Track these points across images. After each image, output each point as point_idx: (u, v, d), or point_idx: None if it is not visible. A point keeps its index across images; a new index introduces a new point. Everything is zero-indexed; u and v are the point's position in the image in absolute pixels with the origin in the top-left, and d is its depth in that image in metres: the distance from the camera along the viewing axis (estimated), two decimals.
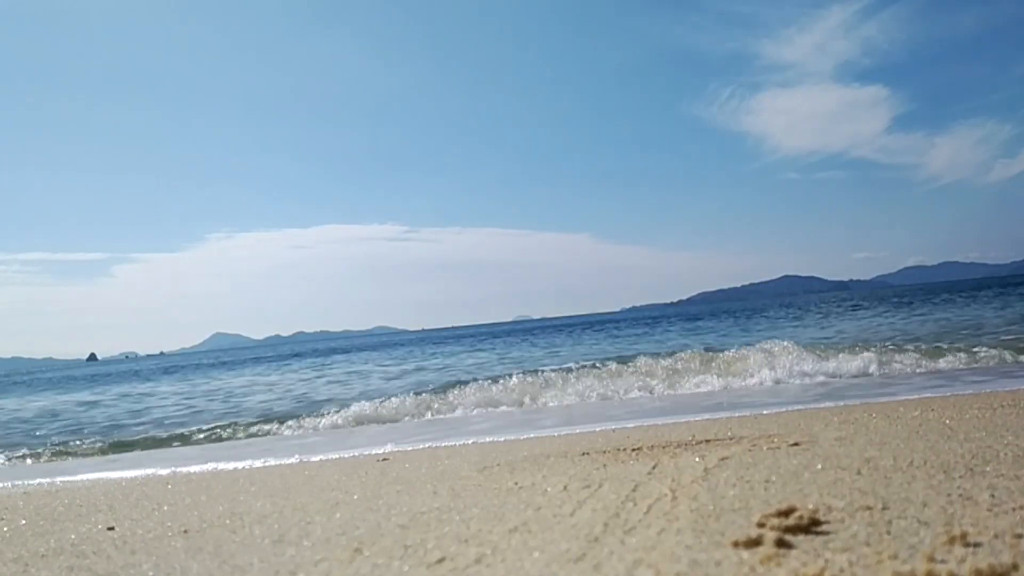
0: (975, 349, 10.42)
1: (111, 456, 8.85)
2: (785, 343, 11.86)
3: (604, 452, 4.19)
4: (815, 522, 2.01)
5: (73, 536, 3.16)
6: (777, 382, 9.41)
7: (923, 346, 11.95)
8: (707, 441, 4.25)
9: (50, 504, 4.36)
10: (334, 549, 2.32)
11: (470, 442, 6.27)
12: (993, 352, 9.99)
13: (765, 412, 6.22)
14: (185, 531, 2.98)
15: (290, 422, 9.96)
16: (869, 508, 2.16)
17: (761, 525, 2.03)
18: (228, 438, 9.51)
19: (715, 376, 9.97)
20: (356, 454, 6.21)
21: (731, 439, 4.25)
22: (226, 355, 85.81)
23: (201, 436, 9.83)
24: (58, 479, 6.50)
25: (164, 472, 6.19)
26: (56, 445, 10.02)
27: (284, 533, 2.69)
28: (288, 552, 2.37)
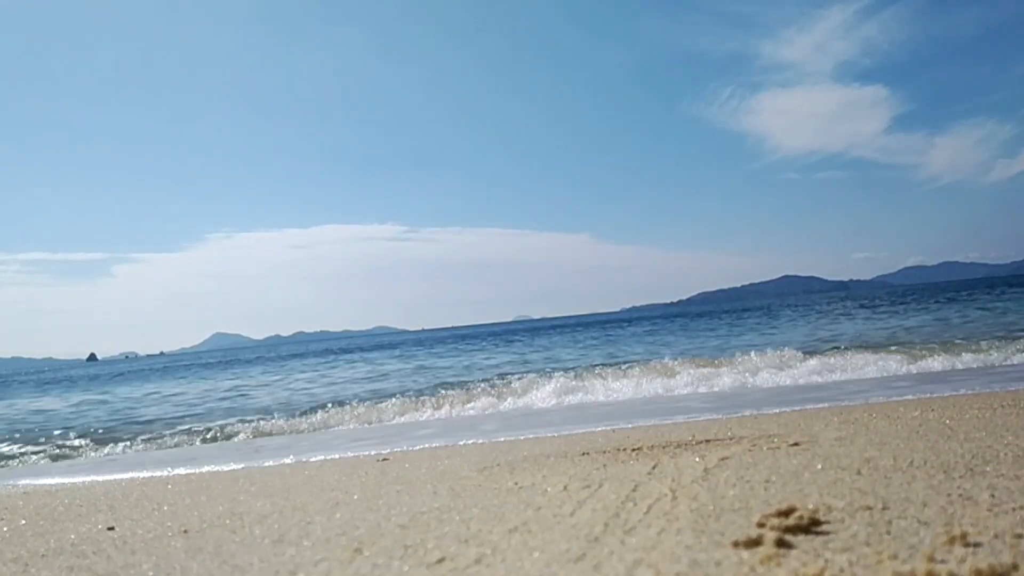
0: (975, 349, 10.42)
1: (111, 456, 8.85)
2: (786, 350, 11.87)
3: (604, 452, 4.19)
4: (815, 522, 2.01)
5: (73, 536, 3.16)
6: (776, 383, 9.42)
7: (923, 346, 11.95)
8: (707, 441, 4.25)
9: (50, 504, 4.36)
10: (334, 549, 2.32)
11: (470, 442, 6.27)
12: (993, 352, 9.99)
13: (765, 412, 6.23)
14: (185, 531, 2.98)
15: (287, 421, 9.97)
16: (869, 508, 2.16)
17: (761, 525, 2.03)
18: (228, 438, 9.51)
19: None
20: (356, 454, 6.21)
21: (731, 439, 4.25)
22: (226, 355, 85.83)
23: (201, 436, 9.82)
24: (58, 479, 6.50)
25: (164, 472, 6.19)
26: (56, 445, 10.02)
27: (284, 533, 2.69)
28: (288, 552, 2.37)
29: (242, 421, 10.78)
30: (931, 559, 1.65)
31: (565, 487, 3.03)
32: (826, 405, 6.43)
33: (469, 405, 9.96)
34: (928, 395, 6.57)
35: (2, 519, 3.84)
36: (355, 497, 3.45)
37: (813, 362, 10.38)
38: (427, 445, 6.36)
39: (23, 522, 3.70)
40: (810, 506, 2.20)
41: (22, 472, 7.83)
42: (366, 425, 9.47)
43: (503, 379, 12.62)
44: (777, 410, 6.34)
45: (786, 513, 2.07)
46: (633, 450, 4.12)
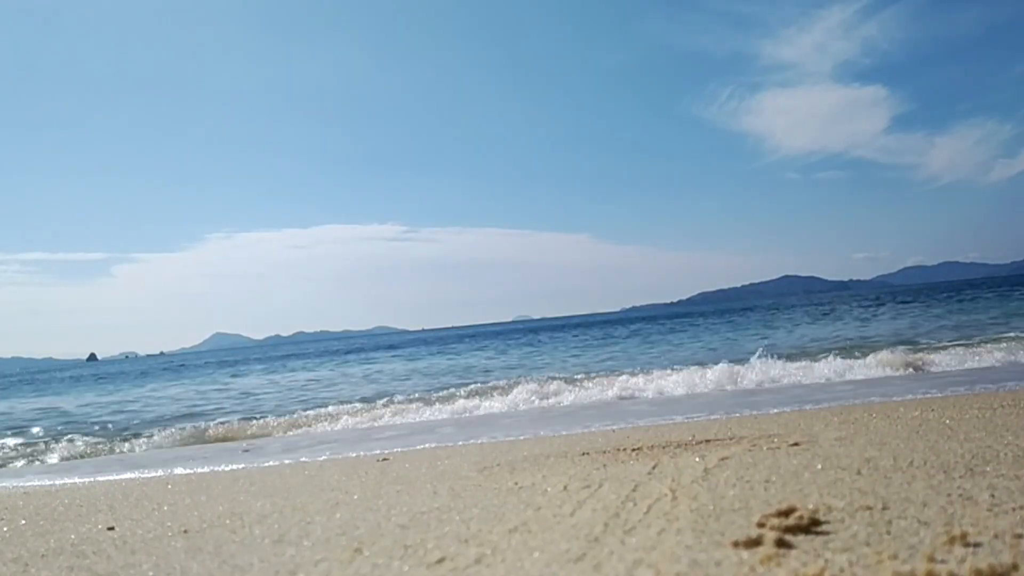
0: (975, 349, 10.43)
1: (111, 456, 8.85)
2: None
3: (604, 452, 4.19)
4: (815, 522, 2.00)
5: (73, 536, 3.16)
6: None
7: (923, 346, 11.95)
8: (707, 441, 4.25)
9: (50, 504, 4.36)
10: (334, 549, 2.32)
11: (470, 442, 6.27)
12: (993, 352, 10.00)
13: (765, 412, 6.23)
14: (185, 531, 2.98)
15: (287, 421, 9.97)
16: (869, 508, 2.16)
17: (761, 525, 2.03)
18: (228, 439, 9.51)
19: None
20: (356, 454, 6.21)
21: (731, 439, 4.25)
22: (226, 355, 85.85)
23: (201, 436, 9.82)
24: (58, 479, 6.50)
25: (164, 472, 6.19)
26: (56, 445, 10.01)
27: (284, 533, 2.69)
28: (288, 552, 2.37)
29: (242, 421, 10.79)
30: (931, 559, 1.65)
31: (565, 487, 3.03)
32: (826, 405, 6.43)
33: (469, 405, 9.97)
34: (928, 395, 6.57)
35: (2, 519, 3.84)
36: (355, 497, 3.45)
37: (813, 362, 10.38)
38: (427, 445, 6.36)
39: (23, 522, 3.70)
40: (810, 506, 2.20)
41: (22, 472, 7.83)
42: (366, 425, 9.47)
43: (503, 379, 12.63)
44: (777, 410, 6.34)
45: (786, 513, 2.06)
46: (633, 450, 4.12)
